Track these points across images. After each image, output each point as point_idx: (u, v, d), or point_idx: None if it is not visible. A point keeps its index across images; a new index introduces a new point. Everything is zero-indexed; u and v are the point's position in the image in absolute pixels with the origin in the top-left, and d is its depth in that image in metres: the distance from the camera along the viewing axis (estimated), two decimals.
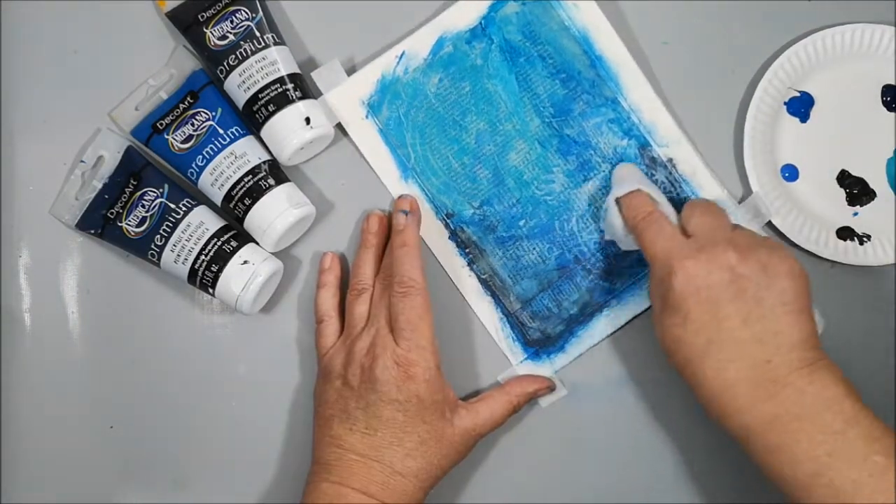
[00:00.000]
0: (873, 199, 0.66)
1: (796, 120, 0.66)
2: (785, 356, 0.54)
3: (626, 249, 0.63)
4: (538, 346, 0.66)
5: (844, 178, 0.66)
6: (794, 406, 0.53)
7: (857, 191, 0.66)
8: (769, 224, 0.65)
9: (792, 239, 0.65)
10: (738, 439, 0.55)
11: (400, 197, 0.66)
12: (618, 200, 0.62)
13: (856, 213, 0.66)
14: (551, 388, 0.65)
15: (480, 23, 0.67)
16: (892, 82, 0.65)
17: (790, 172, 0.66)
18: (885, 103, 0.65)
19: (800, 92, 0.66)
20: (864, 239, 0.65)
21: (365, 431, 0.59)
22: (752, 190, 0.65)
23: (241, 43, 0.63)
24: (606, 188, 0.66)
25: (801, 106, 0.66)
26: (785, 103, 0.66)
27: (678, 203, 0.64)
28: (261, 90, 0.63)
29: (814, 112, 0.66)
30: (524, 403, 0.64)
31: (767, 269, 0.56)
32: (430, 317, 0.61)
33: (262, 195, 0.63)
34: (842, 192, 0.66)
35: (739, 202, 0.66)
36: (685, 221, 0.60)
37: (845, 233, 0.65)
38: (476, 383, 0.66)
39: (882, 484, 0.51)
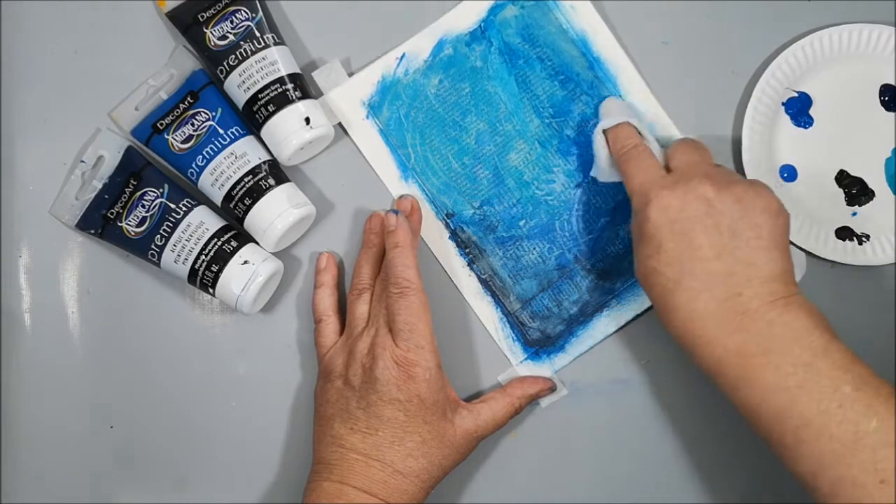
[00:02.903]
0: (872, 198, 0.66)
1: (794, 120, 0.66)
2: (756, 289, 0.55)
3: (606, 180, 0.63)
4: (538, 346, 0.66)
5: (843, 178, 0.66)
6: (763, 339, 0.54)
7: (855, 191, 0.66)
8: None
9: (791, 239, 0.65)
10: (708, 372, 0.56)
11: (400, 197, 0.66)
12: (605, 132, 0.63)
13: (855, 213, 0.66)
14: (552, 389, 0.65)
15: (480, 25, 0.67)
16: (890, 82, 0.65)
17: (789, 173, 0.66)
18: (883, 103, 0.66)
19: (798, 92, 0.66)
20: (864, 239, 0.65)
21: (366, 431, 0.59)
22: None
23: (241, 43, 0.63)
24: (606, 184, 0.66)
25: (799, 106, 0.66)
26: (783, 104, 0.66)
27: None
28: (261, 90, 0.63)
29: (812, 112, 0.66)
30: (526, 405, 0.64)
31: (743, 203, 0.56)
32: (428, 316, 0.61)
33: (263, 195, 0.63)
34: (840, 192, 0.66)
35: None
36: (669, 157, 0.60)
37: (844, 233, 0.65)
38: (476, 383, 0.66)
39: (850, 414, 0.51)
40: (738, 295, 0.55)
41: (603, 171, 0.63)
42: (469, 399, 0.65)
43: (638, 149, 0.60)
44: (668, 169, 0.60)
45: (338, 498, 0.58)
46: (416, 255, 0.63)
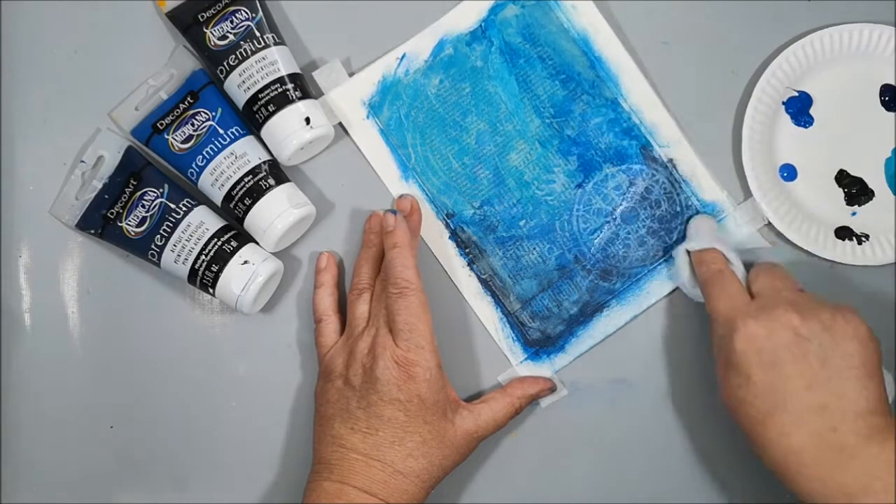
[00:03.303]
0: (872, 198, 0.66)
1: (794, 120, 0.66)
2: (851, 424, 0.53)
3: (692, 298, 0.64)
4: (538, 346, 0.66)
5: (843, 178, 0.66)
6: (864, 476, 0.52)
7: (855, 190, 0.66)
8: (768, 224, 0.65)
9: (790, 238, 0.65)
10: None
11: (400, 197, 0.66)
12: (689, 252, 0.63)
13: (854, 213, 0.66)
14: (553, 389, 0.65)
15: (480, 25, 0.67)
16: (890, 82, 0.65)
17: (789, 172, 0.66)
18: (883, 103, 0.66)
19: (798, 92, 0.66)
20: (863, 239, 0.65)
21: (366, 431, 0.59)
22: (751, 190, 0.65)
23: (241, 43, 0.63)
24: (606, 185, 0.66)
25: (799, 105, 0.66)
26: (783, 103, 0.66)
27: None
28: (261, 90, 0.63)
29: (812, 112, 0.66)
30: (526, 405, 0.64)
31: (832, 331, 0.55)
32: (428, 316, 0.61)
33: (263, 195, 0.63)
34: (840, 192, 0.66)
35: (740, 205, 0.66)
36: (751, 282, 0.60)
37: (844, 232, 0.65)
38: (476, 383, 0.66)
39: None
40: (834, 430, 0.53)
41: (687, 289, 0.64)
42: (469, 399, 0.65)
43: (723, 273, 0.60)
44: (750, 294, 0.59)
45: (338, 498, 0.58)
46: (415, 255, 0.63)
